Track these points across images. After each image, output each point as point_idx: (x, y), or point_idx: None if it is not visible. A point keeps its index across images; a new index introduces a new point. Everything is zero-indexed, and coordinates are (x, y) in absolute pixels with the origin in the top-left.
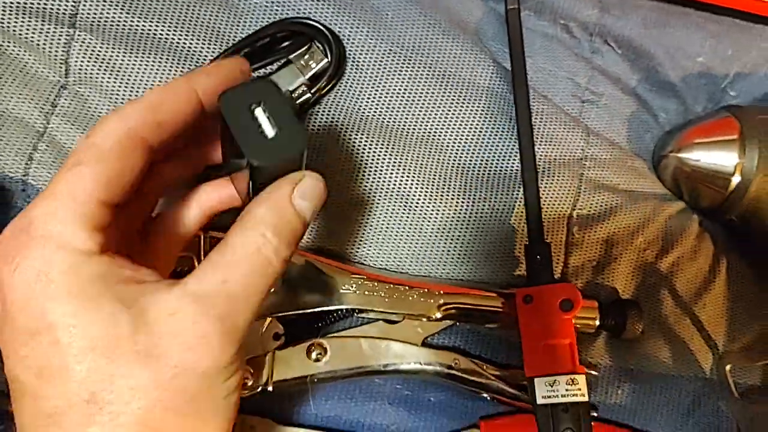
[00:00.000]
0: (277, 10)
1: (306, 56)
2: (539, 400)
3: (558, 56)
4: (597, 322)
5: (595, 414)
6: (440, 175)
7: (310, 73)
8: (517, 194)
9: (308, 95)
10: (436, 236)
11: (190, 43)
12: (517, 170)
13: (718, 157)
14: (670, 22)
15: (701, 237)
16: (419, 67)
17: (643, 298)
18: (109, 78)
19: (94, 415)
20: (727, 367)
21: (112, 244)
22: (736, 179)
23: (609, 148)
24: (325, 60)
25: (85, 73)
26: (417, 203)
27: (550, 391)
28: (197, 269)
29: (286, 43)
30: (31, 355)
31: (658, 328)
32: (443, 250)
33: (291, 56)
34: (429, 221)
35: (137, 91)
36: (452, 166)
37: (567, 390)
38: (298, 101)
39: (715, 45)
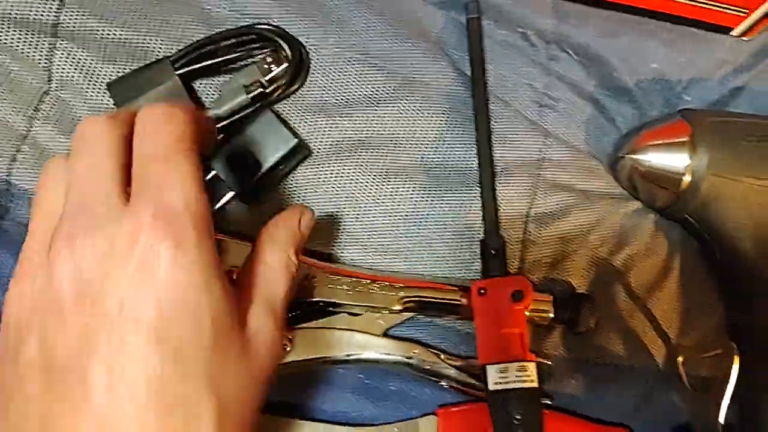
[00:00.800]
0: (247, 21)
1: (269, 59)
2: (491, 386)
3: (517, 63)
4: (551, 315)
5: (549, 402)
6: (403, 176)
7: (270, 75)
8: (476, 193)
9: (260, 90)
10: (398, 233)
11: (165, 50)
12: (476, 170)
13: (670, 159)
14: (625, 30)
15: (656, 235)
16: (383, 74)
17: (598, 292)
18: (89, 84)
19: None
20: (680, 359)
21: None
22: (687, 179)
23: (566, 150)
24: (286, 64)
25: (67, 79)
26: (380, 202)
27: (502, 377)
28: (252, 284)
29: (251, 45)
30: None
31: (612, 322)
32: (405, 246)
33: (255, 58)
34: (392, 219)
35: None
36: (414, 167)
37: (517, 376)
38: (250, 95)
39: (668, 52)
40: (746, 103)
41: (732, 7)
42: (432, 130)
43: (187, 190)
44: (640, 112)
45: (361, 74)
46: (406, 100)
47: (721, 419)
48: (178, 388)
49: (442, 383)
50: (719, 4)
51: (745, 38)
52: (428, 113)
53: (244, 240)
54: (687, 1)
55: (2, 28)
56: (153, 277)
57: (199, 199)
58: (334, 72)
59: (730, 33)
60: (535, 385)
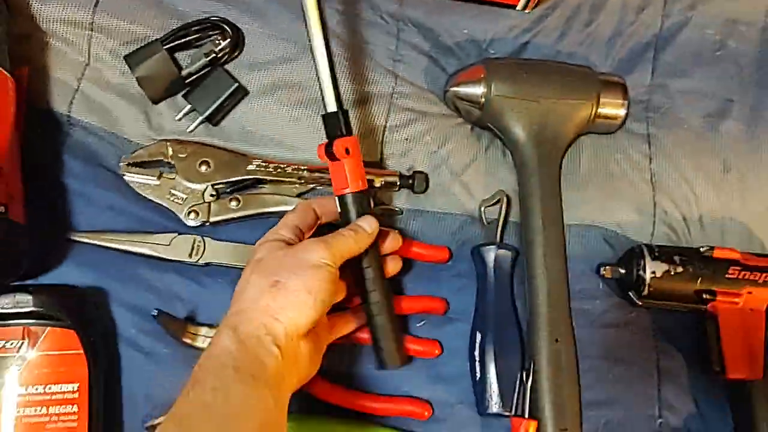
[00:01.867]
0: (204, 15)
1: (219, 37)
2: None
3: (376, 33)
4: (398, 182)
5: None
6: (303, 104)
7: (220, 47)
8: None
9: (214, 56)
10: (297, 137)
11: (157, 34)
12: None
13: (473, 89)
14: (444, 10)
15: (471, 137)
16: (288, 42)
17: (430, 171)
18: (113, 58)
19: None
20: (482, 208)
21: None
22: (482, 100)
23: (411, 87)
24: (229, 39)
25: (100, 56)
26: (287, 117)
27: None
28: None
29: (208, 31)
30: None
31: (439, 187)
32: (301, 142)
33: (210, 37)
34: (293, 129)
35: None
36: (309, 99)
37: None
38: (208, 59)
39: (475, 23)
40: (532, 52)
41: None
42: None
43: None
44: (460, 62)
45: (275, 43)
46: (304, 57)
47: (497, 239)
48: None
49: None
50: None
51: (526, 11)
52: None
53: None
54: None
55: (57, 25)
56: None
57: None
58: (259, 43)
59: (516, 8)
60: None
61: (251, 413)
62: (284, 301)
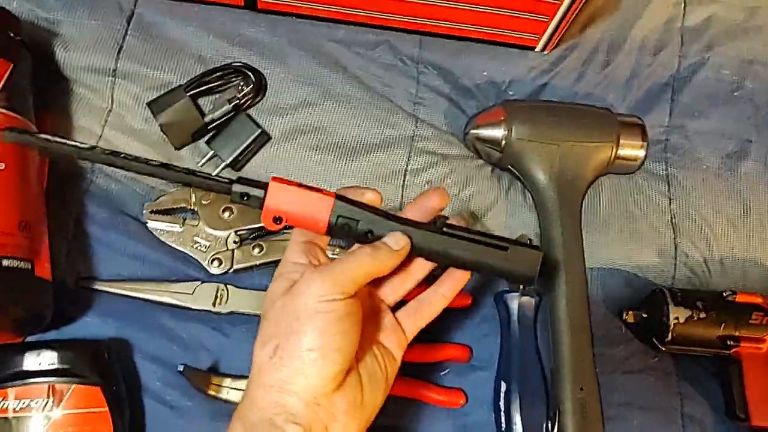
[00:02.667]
0: (227, 60)
1: (241, 82)
2: None
3: (395, 77)
4: None
5: None
6: (326, 149)
7: (243, 93)
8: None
9: (237, 102)
10: (331, 182)
11: (180, 80)
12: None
13: (493, 132)
14: (463, 53)
15: (491, 179)
16: (311, 87)
17: (454, 213)
18: (136, 104)
19: None
20: None
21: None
22: (503, 143)
23: (432, 129)
24: (252, 85)
25: (123, 102)
26: (311, 165)
27: None
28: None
29: (230, 76)
30: None
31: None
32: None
33: (233, 82)
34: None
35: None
36: (334, 143)
37: None
38: (231, 104)
39: (494, 64)
40: (550, 93)
41: (529, 35)
42: (343, 120)
43: None
44: (479, 103)
45: (297, 88)
46: (328, 102)
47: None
48: None
49: None
50: (522, 33)
51: (545, 52)
52: (340, 109)
53: None
54: (500, 32)
55: (80, 72)
56: None
57: None
58: (281, 88)
59: (534, 50)
60: None
61: None
62: (289, 370)
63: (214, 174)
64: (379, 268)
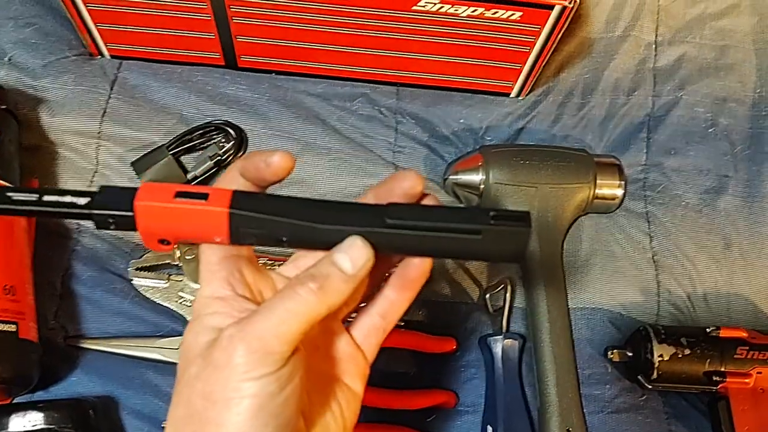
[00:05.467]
0: (207, 119)
1: (222, 139)
2: None
3: (374, 127)
4: None
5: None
6: None
7: (224, 149)
8: None
9: (218, 158)
10: None
11: (162, 140)
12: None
13: (471, 177)
14: (440, 101)
15: None
16: (290, 141)
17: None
18: (120, 164)
19: None
20: (487, 295)
21: None
22: (482, 187)
23: None
24: (233, 141)
25: (108, 163)
26: None
27: None
28: None
29: (212, 133)
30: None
31: (442, 276)
32: None
33: (214, 140)
34: None
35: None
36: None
37: None
38: (213, 161)
39: (470, 111)
40: (527, 137)
41: (503, 82)
42: (323, 172)
43: None
44: (457, 150)
45: (277, 142)
46: (308, 154)
47: (504, 327)
48: None
49: None
50: (496, 81)
51: (520, 98)
52: (320, 162)
53: None
54: (475, 81)
55: (66, 135)
56: None
57: None
58: (262, 143)
59: (509, 96)
60: None
61: None
62: None
63: None
64: (330, 307)
